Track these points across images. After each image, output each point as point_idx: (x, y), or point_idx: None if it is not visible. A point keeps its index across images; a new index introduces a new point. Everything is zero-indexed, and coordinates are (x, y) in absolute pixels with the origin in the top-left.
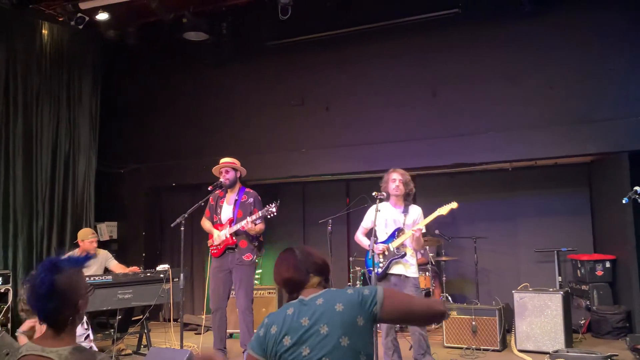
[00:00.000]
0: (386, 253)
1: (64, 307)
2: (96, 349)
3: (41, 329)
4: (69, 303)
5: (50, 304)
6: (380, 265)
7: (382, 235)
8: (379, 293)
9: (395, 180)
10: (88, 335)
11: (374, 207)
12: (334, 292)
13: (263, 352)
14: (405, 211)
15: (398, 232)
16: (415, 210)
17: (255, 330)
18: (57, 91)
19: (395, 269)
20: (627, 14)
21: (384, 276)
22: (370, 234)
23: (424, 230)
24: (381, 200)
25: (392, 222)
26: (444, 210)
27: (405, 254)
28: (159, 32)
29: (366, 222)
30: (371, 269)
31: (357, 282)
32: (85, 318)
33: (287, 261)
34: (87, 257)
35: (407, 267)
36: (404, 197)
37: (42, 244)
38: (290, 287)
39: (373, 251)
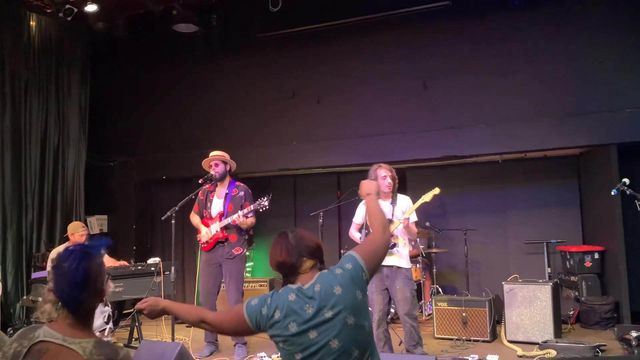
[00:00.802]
0: None
1: (94, 295)
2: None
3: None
4: (97, 291)
5: (85, 293)
6: None
7: None
8: (360, 262)
9: (385, 177)
10: (105, 330)
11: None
12: (327, 276)
13: (257, 325)
14: (394, 202)
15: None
16: (404, 200)
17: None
18: (45, 84)
19: (388, 260)
20: (617, 8)
21: None
22: (362, 229)
23: (416, 219)
24: None
25: None
26: (427, 197)
27: (395, 245)
28: (149, 24)
29: (357, 218)
30: None
31: None
32: (109, 311)
33: (280, 245)
34: (107, 241)
35: (400, 258)
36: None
37: (31, 237)
38: (285, 271)
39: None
